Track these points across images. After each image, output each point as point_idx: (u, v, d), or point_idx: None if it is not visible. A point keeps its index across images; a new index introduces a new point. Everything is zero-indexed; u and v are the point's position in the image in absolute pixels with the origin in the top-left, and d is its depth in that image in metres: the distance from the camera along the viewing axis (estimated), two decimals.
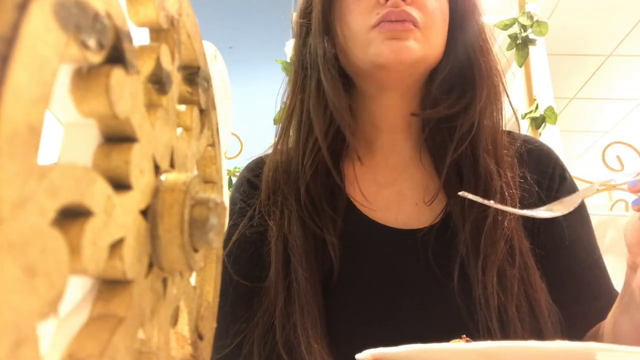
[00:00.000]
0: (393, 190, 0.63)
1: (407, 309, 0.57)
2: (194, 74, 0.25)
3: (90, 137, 0.17)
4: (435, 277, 0.57)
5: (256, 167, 0.69)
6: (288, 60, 1.34)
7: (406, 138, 0.65)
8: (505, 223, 0.57)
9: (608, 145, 1.22)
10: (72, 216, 0.14)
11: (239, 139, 1.27)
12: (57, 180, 0.13)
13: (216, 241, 0.20)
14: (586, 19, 2.79)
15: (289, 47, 1.35)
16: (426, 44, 0.57)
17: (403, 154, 0.64)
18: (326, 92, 0.58)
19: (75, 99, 0.15)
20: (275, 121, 1.33)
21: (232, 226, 0.64)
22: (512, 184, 0.60)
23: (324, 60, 0.59)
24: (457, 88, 0.61)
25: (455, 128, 0.60)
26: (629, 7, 2.69)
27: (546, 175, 0.64)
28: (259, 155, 0.71)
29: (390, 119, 0.63)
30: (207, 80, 0.26)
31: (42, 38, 0.12)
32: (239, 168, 1.33)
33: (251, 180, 0.67)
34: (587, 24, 2.82)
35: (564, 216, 0.57)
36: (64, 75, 0.15)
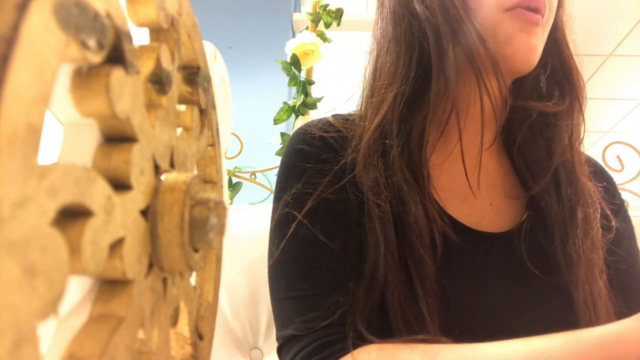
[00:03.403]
0: (467, 185, 0.58)
1: (514, 307, 0.53)
2: (194, 74, 0.25)
3: (90, 137, 0.17)
4: (533, 275, 0.54)
5: (327, 127, 0.60)
6: (288, 60, 1.34)
7: (488, 129, 0.59)
8: (593, 230, 0.55)
9: (608, 145, 1.22)
10: (72, 216, 0.14)
11: (239, 139, 1.26)
12: (57, 180, 0.13)
13: (216, 241, 0.20)
14: (586, 19, 2.79)
15: (289, 47, 1.35)
16: (542, 43, 0.54)
17: (479, 147, 0.58)
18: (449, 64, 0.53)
19: (75, 99, 0.15)
20: (276, 121, 1.33)
21: (307, 184, 0.55)
22: (597, 193, 0.58)
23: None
24: (555, 87, 0.58)
25: (550, 128, 0.58)
26: (629, 7, 2.69)
27: (610, 200, 0.62)
28: (324, 116, 0.64)
29: (479, 105, 0.56)
30: (207, 80, 0.26)
31: (42, 38, 0.12)
32: (239, 168, 1.32)
33: (328, 140, 0.59)
34: (587, 24, 2.82)
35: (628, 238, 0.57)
36: (64, 75, 0.15)
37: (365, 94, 0.61)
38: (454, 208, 0.57)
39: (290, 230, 0.53)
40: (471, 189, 0.57)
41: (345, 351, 0.48)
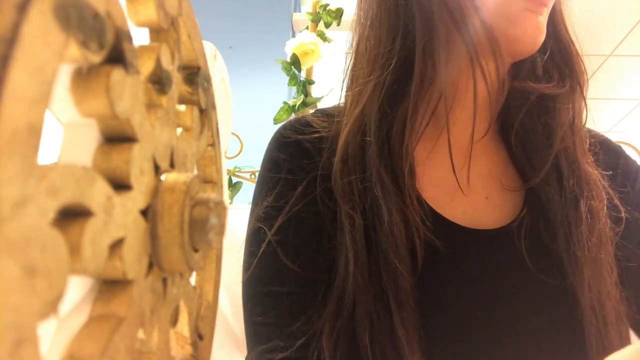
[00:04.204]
0: (461, 178, 0.52)
1: (513, 315, 0.49)
2: (194, 74, 0.25)
3: (90, 137, 0.17)
4: (534, 278, 0.50)
5: (304, 129, 0.55)
6: (288, 60, 1.34)
7: (482, 117, 0.54)
8: (600, 224, 0.51)
9: None
10: (72, 216, 0.14)
11: (239, 139, 1.27)
12: (57, 180, 0.13)
13: (216, 241, 0.20)
14: (586, 19, 2.79)
15: (289, 47, 1.35)
16: (545, 24, 0.50)
17: (470, 137, 0.53)
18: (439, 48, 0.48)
19: (75, 99, 0.15)
20: (276, 121, 1.33)
21: (279, 197, 0.51)
22: (603, 182, 0.54)
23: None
24: (555, 70, 0.54)
25: (550, 112, 0.53)
26: (629, 7, 2.69)
27: (618, 167, 0.58)
28: (302, 115, 0.59)
29: (472, 92, 0.52)
30: (207, 80, 0.26)
31: (42, 38, 0.12)
32: (239, 168, 1.32)
33: (303, 144, 0.54)
34: (587, 24, 2.82)
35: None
36: (64, 75, 0.15)
37: (346, 84, 0.56)
38: (444, 205, 0.53)
39: (260, 249, 0.50)
40: (459, 185, 0.53)
41: None
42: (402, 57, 0.50)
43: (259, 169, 0.57)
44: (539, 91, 0.53)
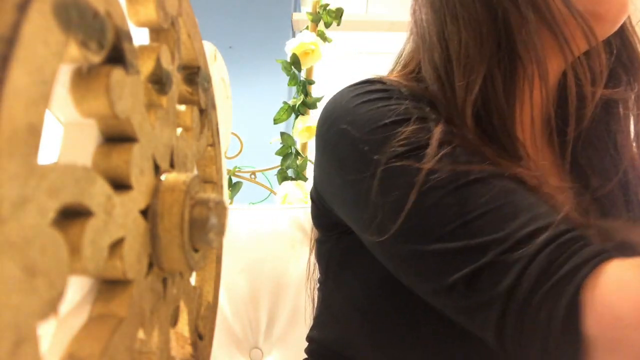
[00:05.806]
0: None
1: None
2: (194, 74, 0.25)
3: (90, 137, 0.17)
4: None
5: (399, 86, 0.47)
6: (288, 60, 1.34)
7: (538, 116, 0.51)
8: None
9: None
10: (72, 216, 0.14)
11: (239, 139, 1.27)
12: (57, 180, 0.13)
13: (216, 241, 0.20)
14: None
15: (289, 47, 1.35)
16: (628, 4, 0.47)
17: (529, 135, 0.49)
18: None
19: (75, 99, 0.15)
20: (276, 121, 1.33)
21: (417, 130, 0.41)
22: None
23: None
24: (620, 69, 0.51)
25: (616, 119, 0.50)
26: (629, 7, 2.69)
27: None
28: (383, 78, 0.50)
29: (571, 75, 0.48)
30: (207, 80, 0.26)
31: (42, 38, 0.12)
32: (239, 168, 1.32)
33: (420, 106, 0.45)
34: None
35: None
36: (64, 75, 0.15)
37: (431, 73, 0.48)
38: None
39: (421, 174, 0.38)
40: (561, 182, 0.49)
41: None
42: (505, 42, 0.46)
43: (350, 117, 0.46)
44: (607, 96, 0.49)
